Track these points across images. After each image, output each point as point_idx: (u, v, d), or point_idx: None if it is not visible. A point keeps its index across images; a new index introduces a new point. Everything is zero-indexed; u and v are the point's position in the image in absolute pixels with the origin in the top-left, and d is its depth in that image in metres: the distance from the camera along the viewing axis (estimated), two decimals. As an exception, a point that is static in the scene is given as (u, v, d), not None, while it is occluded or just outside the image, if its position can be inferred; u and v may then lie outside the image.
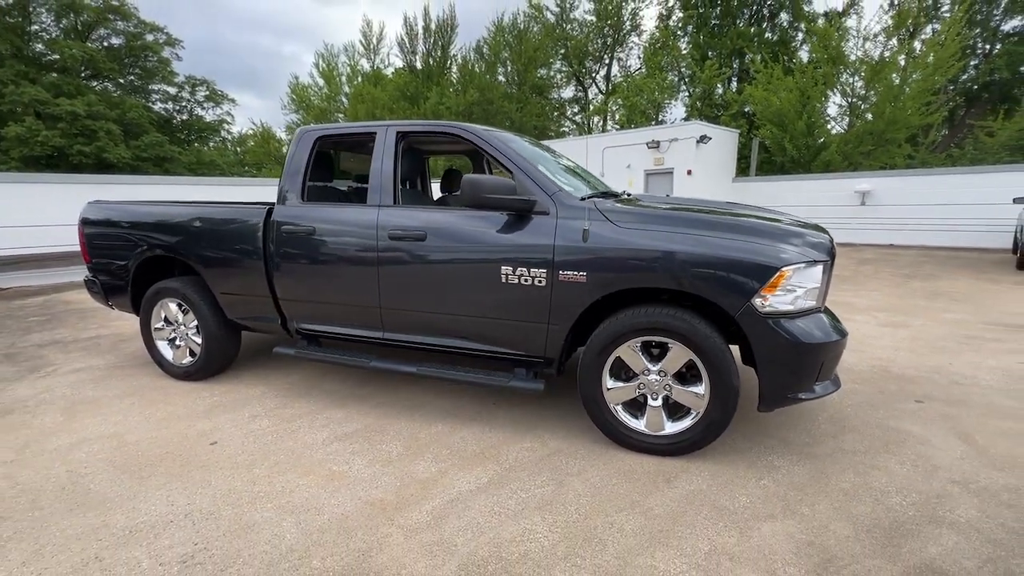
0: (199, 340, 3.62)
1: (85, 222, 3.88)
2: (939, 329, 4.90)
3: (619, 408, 2.63)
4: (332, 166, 3.44)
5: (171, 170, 29.48)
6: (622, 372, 2.63)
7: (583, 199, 2.73)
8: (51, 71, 30.11)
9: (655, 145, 13.96)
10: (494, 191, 2.52)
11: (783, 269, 2.30)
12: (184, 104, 37.38)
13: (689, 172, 13.50)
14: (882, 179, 12.61)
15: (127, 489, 2.36)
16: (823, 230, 2.80)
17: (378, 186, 3.01)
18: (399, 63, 32.09)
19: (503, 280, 2.67)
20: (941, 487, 2.28)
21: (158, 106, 35.46)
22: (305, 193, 3.23)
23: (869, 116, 15.39)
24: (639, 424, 2.61)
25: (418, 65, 31.04)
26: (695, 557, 1.87)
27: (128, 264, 3.73)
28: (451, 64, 30.35)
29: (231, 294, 3.46)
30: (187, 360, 3.72)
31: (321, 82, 33.97)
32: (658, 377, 2.54)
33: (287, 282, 3.24)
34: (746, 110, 19.25)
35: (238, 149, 38.00)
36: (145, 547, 1.96)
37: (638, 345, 2.54)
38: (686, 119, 20.20)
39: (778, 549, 1.91)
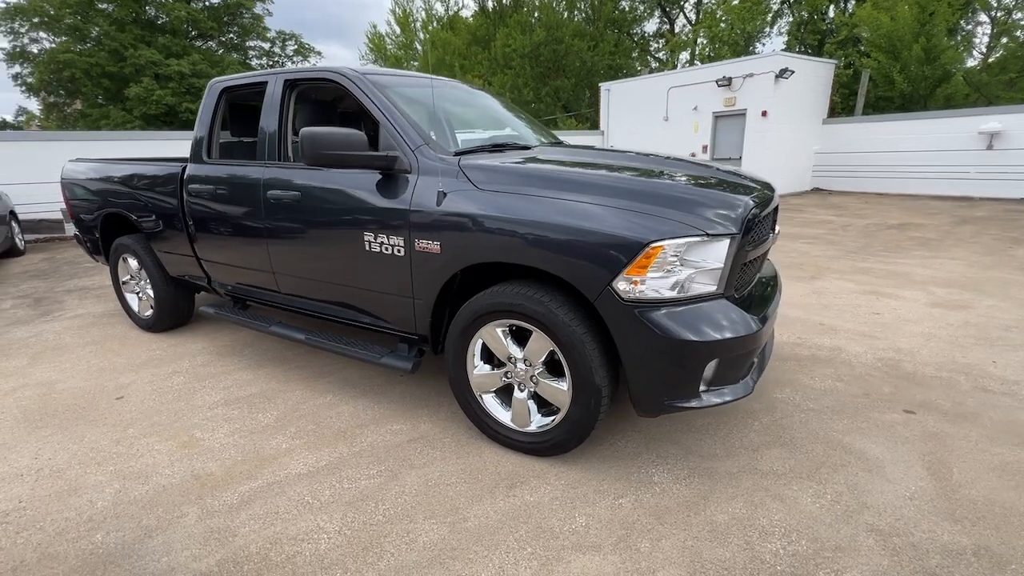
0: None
1: (64, 181, 4.13)
2: (1011, 314, 3.84)
3: (486, 397, 2.32)
4: (244, 120, 3.28)
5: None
6: (494, 357, 2.29)
7: (458, 153, 2.33)
8: (163, 33, 32.95)
9: (726, 83, 12.23)
10: (335, 146, 2.20)
11: (654, 245, 1.79)
12: (276, 59, 39.43)
13: (764, 113, 11.74)
14: (1019, 116, 10.06)
15: (12, 438, 2.52)
16: (759, 190, 2.17)
17: (264, 142, 2.81)
18: (474, 5, 30.96)
19: (367, 248, 2.40)
20: (850, 536, 1.75)
21: (254, 62, 37.74)
22: (212, 150, 3.12)
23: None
24: (505, 417, 2.28)
25: (489, 5, 29.71)
26: (469, 588, 1.59)
27: (96, 221, 3.94)
28: (521, 2, 28.66)
29: (166, 252, 3.53)
30: (148, 312, 3.93)
31: (397, 29, 33.87)
32: (524, 367, 2.17)
33: (200, 242, 3.21)
34: (858, 36, 16.18)
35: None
36: (-22, 499, 2.07)
37: (504, 329, 2.17)
38: (785, 51, 17.48)
39: (573, 592, 1.56)
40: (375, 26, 43.74)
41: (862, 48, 14.78)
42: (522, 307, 2.03)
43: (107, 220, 3.88)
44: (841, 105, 13.78)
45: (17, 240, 7.30)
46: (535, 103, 24.46)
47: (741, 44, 18.62)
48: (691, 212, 1.87)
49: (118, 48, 30.10)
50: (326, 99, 3.35)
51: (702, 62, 20.14)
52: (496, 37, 25.25)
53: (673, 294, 1.84)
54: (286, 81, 2.79)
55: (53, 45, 29.72)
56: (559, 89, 24.13)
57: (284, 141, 2.79)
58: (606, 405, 2.01)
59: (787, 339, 3.50)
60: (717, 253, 1.87)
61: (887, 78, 13.05)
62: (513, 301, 2.05)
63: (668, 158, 2.48)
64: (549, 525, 1.84)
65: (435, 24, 31.93)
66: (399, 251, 2.31)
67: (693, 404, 1.92)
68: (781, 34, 20.10)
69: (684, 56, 25.93)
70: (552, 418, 2.16)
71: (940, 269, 5.22)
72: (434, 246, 2.20)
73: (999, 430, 2.35)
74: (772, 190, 2.43)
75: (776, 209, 2.52)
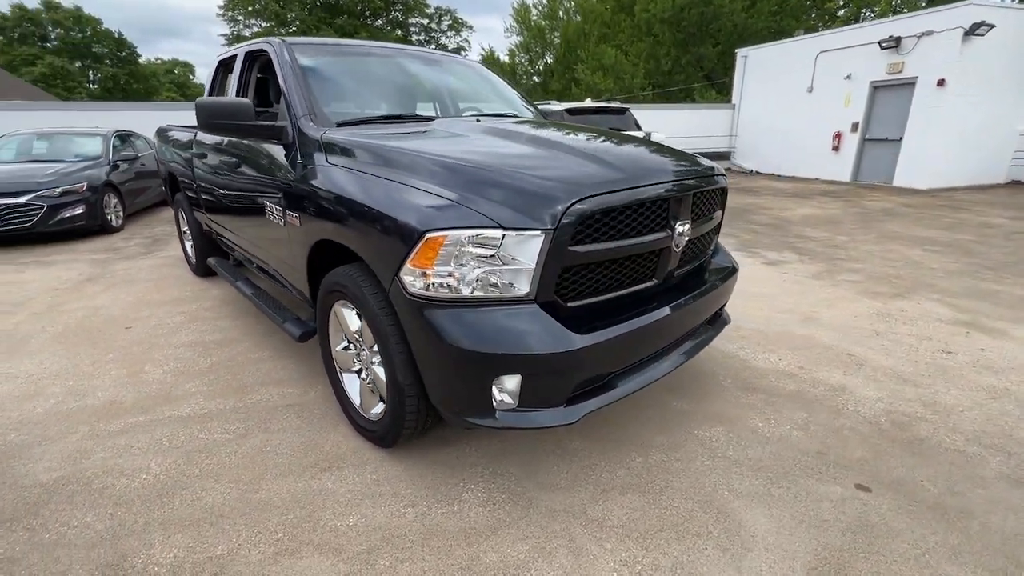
0: (197, 242, 4.42)
1: (155, 142, 4.97)
2: None
3: (345, 375, 2.28)
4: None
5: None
6: (357, 335, 2.24)
7: (340, 124, 2.26)
8: (341, 15, 37.11)
9: (893, 44, 9.83)
10: (225, 116, 2.27)
11: (432, 235, 1.55)
12: (432, 34, 42.05)
13: (941, 82, 9.23)
14: None
15: (39, 347, 3.18)
16: (631, 176, 1.73)
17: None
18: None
19: (267, 216, 2.49)
20: (617, 622, 1.38)
21: (414, 38, 40.73)
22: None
23: None
24: (357, 399, 2.23)
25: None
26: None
27: (164, 176, 4.69)
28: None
29: (190, 206, 4.06)
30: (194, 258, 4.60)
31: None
32: (366, 350, 2.09)
33: (201, 200, 3.63)
34: None
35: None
36: (-22, 390, 2.67)
37: (355, 310, 2.10)
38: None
39: (277, 590, 1.50)
40: (523, -4, 43.88)
41: None
42: (347, 290, 1.94)
43: (168, 176, 4.59)
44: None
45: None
46: (674, 73, 22.52)
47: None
48: (498, 201, 1.58)
49: (306, 30, 34.54)
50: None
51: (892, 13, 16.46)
52: (638, 1, 23.57)
53: (468, 293, 1.59)
54: (246, 53, 2.95)
55: (259, 29, 35.28)
56: (702, 57, 21.84)
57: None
58: (413, 407, 1.84)
59: (784, 365, 2.81)
60: (524, 250, 1.56)
61: None
62: (342, 282, 1.97)
63: (589, 138, 2.11)
64: (320, 516, 1.77)
65: (581, -9, 30.88)
66: (280, 221, 2.35)
67: (489, 423, 1.66)
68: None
69: (865, 13, 21.41)
70: (383, 408, 2.05)
71: (1115, 304, 3.69)
72: (295, 219, 2.19)
73: (988, 551, 1.63)
74: (690, 173, 1.94)
75: (702, 194, 2.02)
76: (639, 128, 7.84)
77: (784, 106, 12.60)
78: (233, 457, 2.10)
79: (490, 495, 1.87)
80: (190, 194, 3.94)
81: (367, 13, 38.91)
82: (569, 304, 1.69)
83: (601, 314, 1.77)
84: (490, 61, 37.41)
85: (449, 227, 1.55)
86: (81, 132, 7.55)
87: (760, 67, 13.34)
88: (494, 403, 1.64)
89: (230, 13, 35.68)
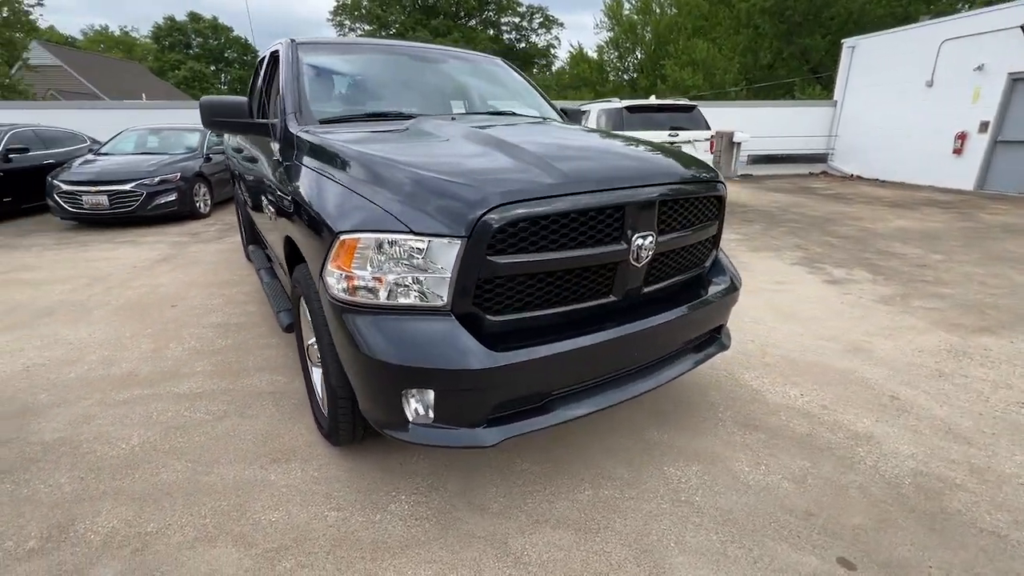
0: (244, 232, 4.78)
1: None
2: None
3: (314, 369, 2.31)
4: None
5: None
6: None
7: (323, 122, 2.29)
8: (436, 16, 38.59)
9: (1041, 28, 8.24)
10: (224, 113, 2.38)
11: (345, 236, 1.51)
12: (523, 32, 42.41)
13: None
14: None
15: (100, 318, 3.59)
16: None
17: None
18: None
19: (263, 210, 2.60)
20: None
21: (504, 36, 41.35)
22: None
23: None
24: (320, 394, 2.25)
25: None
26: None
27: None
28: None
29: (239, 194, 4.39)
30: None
31: (637, -8, 32.43)
32: (324, 347, 2.10)
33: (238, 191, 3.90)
34: None
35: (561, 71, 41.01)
36: (28, 337, 3.06)
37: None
38: None
39: None
40: (613, -11, 42.76)
41: None
42: (301, 284, 1.95)
43: (228, 168, 5.00)
44: None
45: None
46: (775, 67, 20.75)
47: None
48: (419, 206, 1.50)
49: (404, 31, 36.34)
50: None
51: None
52: (738, -10, 21.99)
53: (383, 299, 1.52)
54: (269, 54, 3.09)
55: (361, 32, 37.64)
56: (808, 49, 19.90)
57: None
58: (346, 411, 1.82)
59: (804, 402, 2.44)
60: (439, 258, 1.46)
61: None
62: (298, 277, 1.99)
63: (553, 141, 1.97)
64: (249, 507, 1.81)
65: (677, -17, 29.42)
66: (271, 215, 2.43)
67: (402, 436, 1.58)
68: None
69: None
70: (330, 407, 2.05)
71: None
72: (274, 213, 2.26)
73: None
74: (659, 179, 1.72)
75: (681, 203, 1.80)
76: (707, 127, 7.27)
77: (895, 102, 11.07)
78: (203, 438, 2.22)
79: (415, 510, 1.79)
80: (238, 185, 4.25)
81: (462, 14, 40.12)
82: (497, 318, 1.56)
83: (544, 330, 1.62)
84: (578, 58, 36.93)
85: (363, 229, 1.49)
86: (184, 128, 8.48)
87: (869, 58, 11.83)
88: (408, 416, 1.56)
89: (338, 18, 38.59)
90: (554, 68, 41.47)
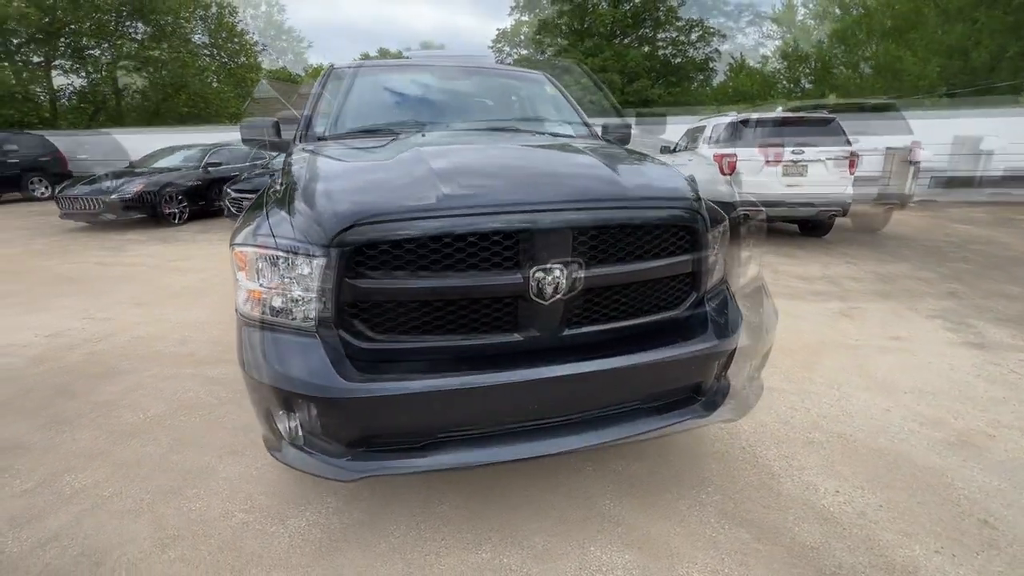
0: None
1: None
2: None
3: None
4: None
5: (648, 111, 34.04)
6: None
7: (320, 139, 2.42)
8: (590, 36, 39.16)
9: None
10: (255, 131, 2.65)
11: (235, 249, 1.56)
12: (680, 47, 40.66)
13: None
14: None
15: (154, 300, 4.28)
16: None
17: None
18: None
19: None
20: None
21: (659, 52, 40.14)
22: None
23: None
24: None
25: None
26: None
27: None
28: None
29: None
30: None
31: (815, -5, 28.99)
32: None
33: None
34: None
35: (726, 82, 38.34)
36: (57, 313, 3.75)
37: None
38: None
39: None
40: (794, -6, 38.68)
41: None
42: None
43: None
44: None
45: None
46: (995, 68, 16.65)
47: None
48: (300, 222, 1.49)
49: (558, 53, 37.54)
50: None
51: None
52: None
53: (260, 313, 1.54)
54: (322, 75, 3.39)
55: (516, 57, 39.79)
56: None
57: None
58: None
59: (836, 503, 1.83)
60: (304, 276, 1.43)
61: None
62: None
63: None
64: (182, 493, 1.94)
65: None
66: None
67: (277, 456, 1.56)
68: None
69: None
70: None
71: None
72: (271, 223, 2.43)
73: None
74: (580, 203, 1.46)
75: (622, 230, 1.51)
76: (847, 143, 6.04)
77: None
78: (196, 420, 2.47)
79: (309, 531, 1.75)
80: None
81: (616, 32, 40.04)
82: (366, 345, 1.46)
83: (438, 364, 1.48)
84: (738, 70, 34.23)
85: (244, 243, 1.52)
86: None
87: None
88: (283, 436, 1.54)
89: (498, 45, 41.45)
90: (715, 82, 38.97)
